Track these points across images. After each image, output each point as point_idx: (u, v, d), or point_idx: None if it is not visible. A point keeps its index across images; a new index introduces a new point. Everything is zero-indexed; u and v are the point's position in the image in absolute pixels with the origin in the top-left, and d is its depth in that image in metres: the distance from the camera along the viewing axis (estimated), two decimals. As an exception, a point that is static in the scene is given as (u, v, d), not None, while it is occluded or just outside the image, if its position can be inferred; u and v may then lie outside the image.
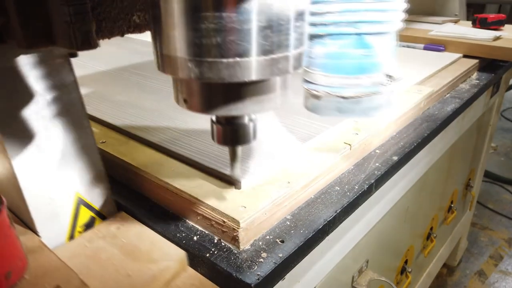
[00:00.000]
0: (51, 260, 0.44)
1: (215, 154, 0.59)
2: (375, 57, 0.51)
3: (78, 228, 0.53)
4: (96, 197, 0.53)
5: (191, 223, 0.53)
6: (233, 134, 0.44)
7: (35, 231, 0.49)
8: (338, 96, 0.53)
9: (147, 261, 0.47)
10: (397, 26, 0.53)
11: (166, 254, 0.48)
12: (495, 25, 1.27)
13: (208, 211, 0.50)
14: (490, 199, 2.25)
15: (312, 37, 0.52)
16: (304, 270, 0.58)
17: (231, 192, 0.53)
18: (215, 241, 0.50)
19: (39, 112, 0.46)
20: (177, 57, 0.36)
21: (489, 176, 2.39)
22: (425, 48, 1.18)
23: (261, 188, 0.53)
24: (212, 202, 0.50)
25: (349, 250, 0.70)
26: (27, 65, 0.44)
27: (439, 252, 1.44)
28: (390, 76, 0.53)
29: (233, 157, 0.47)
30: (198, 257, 0.48)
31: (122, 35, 0.47)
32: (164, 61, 0.37)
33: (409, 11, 0.54)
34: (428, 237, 1.22)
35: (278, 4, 0.34)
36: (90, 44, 0.38)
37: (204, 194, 0.52)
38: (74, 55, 0.46)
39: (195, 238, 0.50)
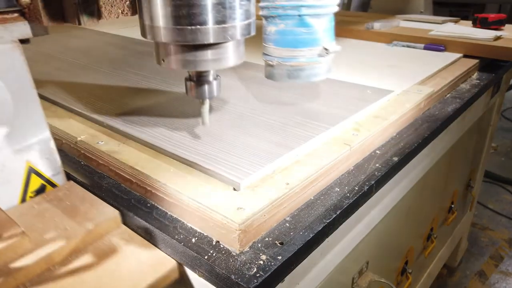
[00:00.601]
0: (0, 217, 0.51)
1: (213, 155, 0.58)
2: (314, 34, 0.63)
3: (30, 193, 0.59)
4: (47, 167, 0.60)
5: (189, 224, 0.52)
6: (202, 87, 0.58)
7: None
8: (287, 65, 0.66)
9: (85, 219, 0.54)
10: (332, 10, 0.64)
11: (102, 213, 0.55)
12: (496, 24, 1.26)
13: (207, 212, 0.49)
14: (490, 199, 2.25)
15: (267, 18, 0.65)
16: (303, 272, 0.58)
17: (229, 194, 0.52)
18: (214, 243, 0.49)
19: None
20: (156, 26, 0.49)
21: (489, 176, 2.38)
22: (425, 48, 1.17)
23: (260, 190, 0.53)
24: (210, 203, 0.50)
25: (349, 251, 0.70)
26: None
27: (440, 252, 1.43)
28: (327, 49, 0.64)
29: (203, 105, 0.60)
30: (197, 259, 0.48)
31: (118, 17, 0.57)
32: (147, 29, 0.51)
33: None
34: (429, 237, 1.22)
35: None
36: (93, 21, 0.51)
37: (203, 195, 0.51)
38: (26, 42, 0.53)
39: (193, 240, 0.50)
